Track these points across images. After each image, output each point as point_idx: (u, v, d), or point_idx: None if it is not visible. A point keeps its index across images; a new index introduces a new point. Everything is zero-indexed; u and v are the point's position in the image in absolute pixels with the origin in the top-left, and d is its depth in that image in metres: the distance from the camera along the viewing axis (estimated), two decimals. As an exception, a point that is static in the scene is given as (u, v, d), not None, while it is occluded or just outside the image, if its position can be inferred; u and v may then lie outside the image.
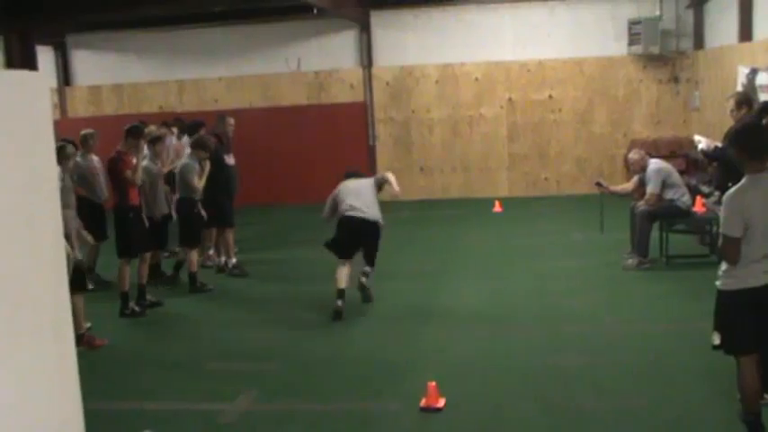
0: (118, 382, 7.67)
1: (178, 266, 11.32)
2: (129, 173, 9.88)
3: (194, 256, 11.10)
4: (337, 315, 9.33)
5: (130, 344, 9.05)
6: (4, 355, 4.89)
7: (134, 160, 10.09)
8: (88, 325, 8.95)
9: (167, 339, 9.19)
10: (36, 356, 5.24)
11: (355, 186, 9.90)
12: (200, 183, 10.88)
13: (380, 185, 10.03)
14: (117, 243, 10.15)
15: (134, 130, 10.32)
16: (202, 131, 12.02)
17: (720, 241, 5.60)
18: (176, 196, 11.18)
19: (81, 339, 8.29)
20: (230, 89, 18.30)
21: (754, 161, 5.53)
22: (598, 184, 11.89)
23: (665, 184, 10.82)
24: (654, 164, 11.03)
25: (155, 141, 10.78)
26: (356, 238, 9.70)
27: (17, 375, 5.02)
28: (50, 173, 5.65)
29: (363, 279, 9.91)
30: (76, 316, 8.68)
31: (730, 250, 5.50)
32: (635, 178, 11.39)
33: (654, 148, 15.66)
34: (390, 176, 9.99)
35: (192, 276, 11.03)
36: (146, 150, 10.49)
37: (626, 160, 16.60)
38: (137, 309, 10.13)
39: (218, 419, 6.76)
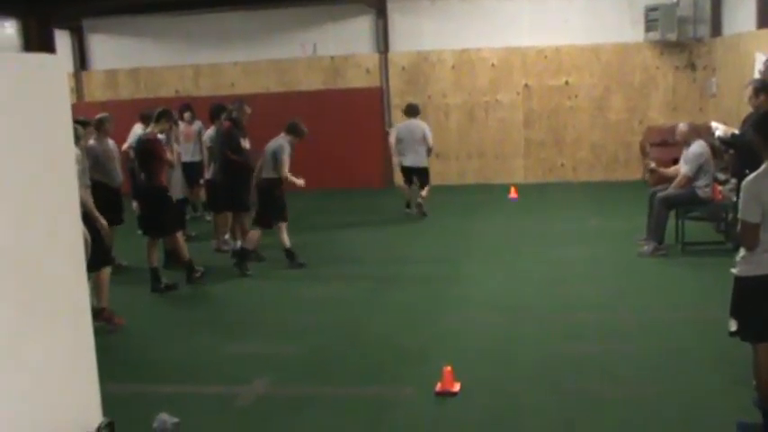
0: (134, 365, 7.73)
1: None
2: (169, 155, 10.40)
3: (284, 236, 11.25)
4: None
5: (146, 326, 9.10)
6: (22, 340, 4.93)
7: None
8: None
9: (183, 322, 9.25)
10: (54, 340, 5.28)
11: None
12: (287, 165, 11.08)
13: None
14: (149, 222, 10.53)
15: (165, 113, 10.70)
16: (224, 116, 12.20)
17: (739, 227, 5.58)
18: (264, 175, 11.21)
19: (101, 314, 8.47)
20: (246, 74, 18.31)
21: (774, 148, 5.52)
22: (651, 171, 11.63)
23: (699, 169, 10.70)
24: (698, 145, 10.84)
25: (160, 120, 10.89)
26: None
27: (35, 359, 5.06)
28: (68, 156, 5.68)
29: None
30: (102, 290, 8.85)
31: (748, 236, 5.50)
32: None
33: (670, 135, 15.55)
34: None
35: (289, 252, 11.24)
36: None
37: (641, 146, 16.59)
38: (169, 283, 10.45)
39: (234, 403, 6.81)
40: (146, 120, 12.92)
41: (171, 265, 11.22)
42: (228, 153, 11.56)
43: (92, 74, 19.20)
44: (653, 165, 11.71)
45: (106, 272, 8.88)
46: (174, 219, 10.79)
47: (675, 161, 11.55)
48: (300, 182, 11.18)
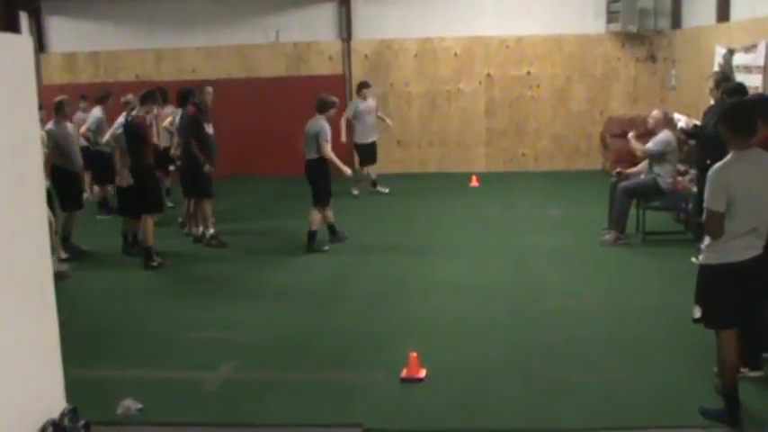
0: (100, 350, 7.65)
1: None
2: (155, 138, 10.77)
3: (328, 213, 11.43)
4: None
5: (111, 312, 9.00)
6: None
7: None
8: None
9: (149, 308, 9.16)
10: (18, 328, 5.22)
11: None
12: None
13: None
14: (139, 202, 10.64)
15: (149, 95, 10.92)
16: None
17: (704, 215, 5.66)
18: (307, 157, 11.33)
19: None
20: (209, 59, 18.13)
21: (741, 138, 5.60)
22: (618, 173, 11.72)
23: (663, 156, 10.78)
24: (665, 133, 10.89)
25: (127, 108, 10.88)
26: None
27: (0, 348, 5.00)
28: (34, 136, 5.61)
29: None
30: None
31: (713, 224, 5.58)
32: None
33: (630, 126, 15.67)
34: None
35: (312, 234, 11.30)
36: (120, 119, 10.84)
37: (602, 137, 16.74)
38: (160, 260, 10.60)
39: (199, 388, 6.78)
40: (103, 101, 12.82)
41: (130, 250, 11.15)
42: (191, 142, 11.47)
43: (50, 57, 18.88)
44: (618, 170, 11.84)
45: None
46: (155, 200, 10.94)
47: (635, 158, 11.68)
48: (347, 171, 11.45)
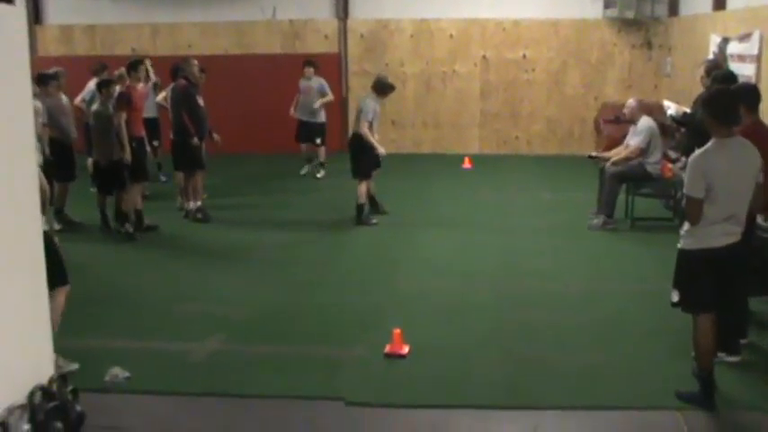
0: (88, 320, 7.73)
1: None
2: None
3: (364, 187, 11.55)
4: None
5: (100, 284, 9.07)
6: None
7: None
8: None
9: (137, 280, 9.25)
10: (8, 295, 5.31)
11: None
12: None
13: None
14: (131, 170, 10.85)
15: (134, 64, 11.70)
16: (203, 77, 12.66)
17: (683, 201, 5.76)
18: (352, 130, 11.62)
19: None
20: (205, 35, 18.13)
21: (722, 126, 5.69)
22: (591, 157, 11.88)
23: (649, 144, 10.92)
24: (647, 120, 11.07)
25: (106, 85, 10.89)
26: None
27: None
28: (26, 107, 5.68)
29: None
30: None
31: (692, 210, 5.69)
32: (627, 143, 11.35)
33: (624, 112, 15.76)
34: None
35: (360, 207, 11.52)
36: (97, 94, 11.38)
37: (595, 122, 16.81)
38: (130, 230, 10.79)
39: (186, 359, 6.88)
40: (98, 74, 12.88)
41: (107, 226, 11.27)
42: (183, 114, 11.56)
43: (46, 28, 18.86)
44: (593, 153, 12.00)
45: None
46: (143, 169, 11.28)
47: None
48: (382, 150, 11.46)
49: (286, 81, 16.68)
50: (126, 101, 10.80)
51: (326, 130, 15.33)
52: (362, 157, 11.42)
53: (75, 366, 6.58)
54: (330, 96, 15.23)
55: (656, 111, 15.76)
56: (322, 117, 15.17)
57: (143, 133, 11.49)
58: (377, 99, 11.50)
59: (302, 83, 15.11)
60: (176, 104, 11.74)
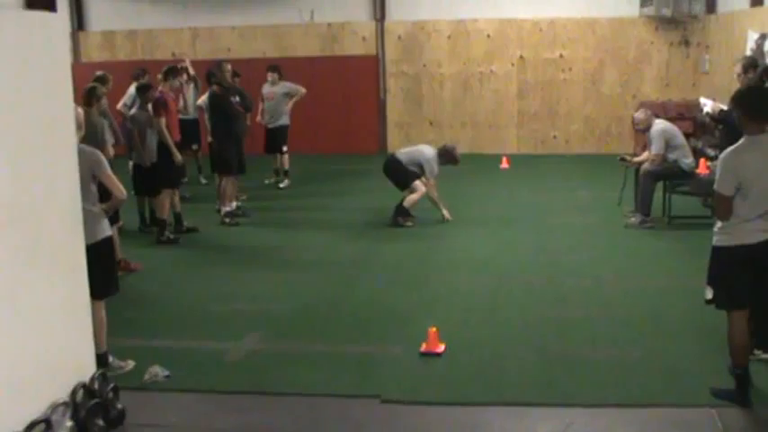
0: (128, 320, 7.87)
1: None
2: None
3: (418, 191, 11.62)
4: None
5: (141, 282, 9.27)
6: (21, 291, 5.11)
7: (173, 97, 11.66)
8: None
9: (176, 281, 9.42)
10: (52, 293, 5.46)
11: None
12: None
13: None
14: (159, 176, 10.84)
15: (171, 71, 11.76)
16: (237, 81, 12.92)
17: (714, 198, 5.76)
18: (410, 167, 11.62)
19: (119, 264, 8.83)
20: (244, 38, 18.35)
21: (755, 123, 5.68)
22: (622, 159, 11.90)
23: (668, 146, 10.93)
24: (658, 124, 11.13)
25: (144, 89, 11.06)
26: None
27: (34, 311, 5.25)
28: (68, 114, 5.82)
29: None
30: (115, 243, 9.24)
31: (721, 207, 5.70)
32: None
33: (662, 111, 15.70)
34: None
35: (401, 209, 11.62)
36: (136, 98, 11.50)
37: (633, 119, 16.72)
38: (171, 237, 10.91)
39: (224, 357, 7.00)
40: (138, 78, 13.09)
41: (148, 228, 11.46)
42: (216, 121, 11.83)
43: (89, 34, 19.21)
44: (623, 155, 12.06)
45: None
46: (174, 175, 11.24)
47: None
48: (448, 215, 11.73)
49: (325, 83, 16.87)
50: (162, 105, 10.96)
51: (288, 133, 14.88)
52: (406, 172, 11.57)
53: (131, 364, 6.74)
54: (302, 91, 14.76)
55: (694, 109, 15.74)
56: (286, 120, 14.70)
57: (178, 138, 11.60)
58: (438, 162, 11.71)
59: (265, 88, 14.65)
60: (210, 111, 11.95)
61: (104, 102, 10.09)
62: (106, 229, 6.59)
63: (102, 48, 19.07)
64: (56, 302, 5.54)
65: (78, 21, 19.14)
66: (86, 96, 9.64)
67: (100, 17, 19.09)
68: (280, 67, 14.79)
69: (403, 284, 8.94)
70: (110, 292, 6.64)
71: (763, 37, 12.33)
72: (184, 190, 13.37)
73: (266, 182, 14.83)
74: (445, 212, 11.62)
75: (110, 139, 9.69)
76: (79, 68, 17.04)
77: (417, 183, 11.51)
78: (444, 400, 6.13)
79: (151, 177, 10.82)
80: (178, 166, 11.07)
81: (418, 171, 11.58)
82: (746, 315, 5.89)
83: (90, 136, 9.45)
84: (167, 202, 10.98)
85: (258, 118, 14.67)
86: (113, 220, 9.03)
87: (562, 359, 6.79)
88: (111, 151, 9.66)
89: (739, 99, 5.86)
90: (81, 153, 6.00)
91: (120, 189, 6.51)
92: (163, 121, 10.85)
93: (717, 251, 5.91)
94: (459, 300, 8.37)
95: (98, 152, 6.54)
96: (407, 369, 6.69)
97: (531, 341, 7.18)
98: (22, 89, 5.10)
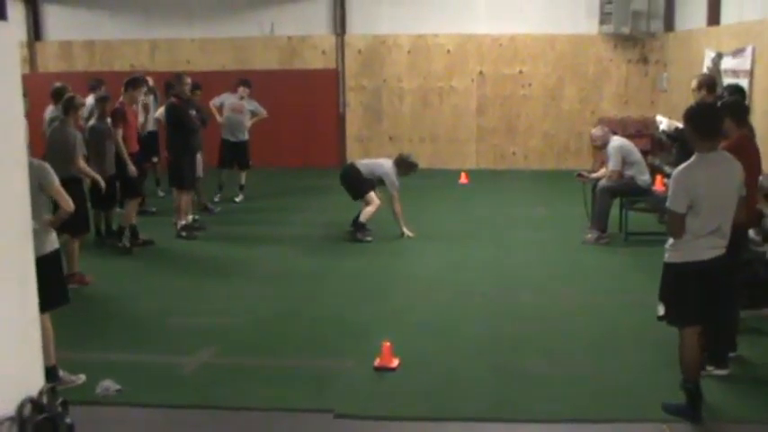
0: (81, 333, 7.79)
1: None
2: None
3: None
4: None
5: (95, 295, 9.17)
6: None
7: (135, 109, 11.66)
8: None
9: (131, 294, 9.33)
10: (-1, 306, 5.36)
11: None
12: None
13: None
14: (123, 187, 10.99)
15: (133, 82, 11.50)
16: (198, 93, 12.96)
17: (666, 216, 5.81)
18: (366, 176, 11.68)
19: (72, 278, 9.05)
20: (203, 51, 18.25)
21: (705, 141, 5.74)
22: (579, 176, 11.99)
23: (625, 162, 11.03)
24: (615, 140, 11.24)
25: (103, 101, 11.00)
26: None
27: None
28: (18, 127, 5.73)
29: None
30: (73, 257, 9.23)
31: (674, 225, 5.75)
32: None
33: (621, 127, 15.87)
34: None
35: (358, 224, 11.61)
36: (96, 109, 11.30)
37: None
38: (127, 244, 10.91)
39: (177, 371, 6.93)
40: (94, 90, 12.98)
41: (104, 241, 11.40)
42: (172, 133, 11.81)
43: (45, 44, 19.00)
44: (580, 172, 12.20)
45: (75, 242, 9.45)
46: (137, 186, 11.35)
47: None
48: (409, 233, 11.69)
49: (285, 97, 16.83)
50: (121, 117, 10.87)
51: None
52: (363, 182, 11.60)
53: (81, 378, 6.65)
54: (265, 114, 14.74)
55: (652, 126, 15.93)
56: (247, 135, 14.51)
57: (136, 149, 11.52)
58: (398, 174, 11.75)
59: (232, 100, 14.38)
60: (168, 123, 11.88)
61: (82, 112, 10.07)
62: (54, 242, 6.52)
63: (60, 58, 18.86)
64: (2, 315, 5.44)
65: (35, 30, 18.91)
66: (64, 106, 9.59)
67: (57, 27, 18.87)
68: (251, 83, 14.65)
69: (359, 299, 8.93)
70: (60, 303, 6.54)
71: (719, 56, 12.51)
72: (150, 204, 13.31)
73: (215, 200, 14.24)
74: (405, 230, 11.61)
75: (81, 150, 9.57)
76: (36, 78, 16.88)
77: (372, 194, 11.53)
78: (398, 415, 6.12)
79: (108, 190, 10.70)
80: (132, 177, 10.95)
81: (376, 184, 11.58)
82: (698, 331, 5.95)
83: (62, 146, 9.36)
84: (134, 211, 10.94)
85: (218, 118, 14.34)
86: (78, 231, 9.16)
87: (517, 375, 6.81)
88: (82, 163, 9.54)
89: (689, 117, 5.90)
90: (29, 166, 5.91)
91: (67, 202, 6.44)
92: (120, 132, 10.76)
93: (668, 267, 5.96)
94: (415, 315, 8.37)
95: (46, 165, 6.47)
96: (361, 384, 6.68)
97: (485, 356, 7.20)
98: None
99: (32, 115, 11.27)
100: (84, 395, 6.34)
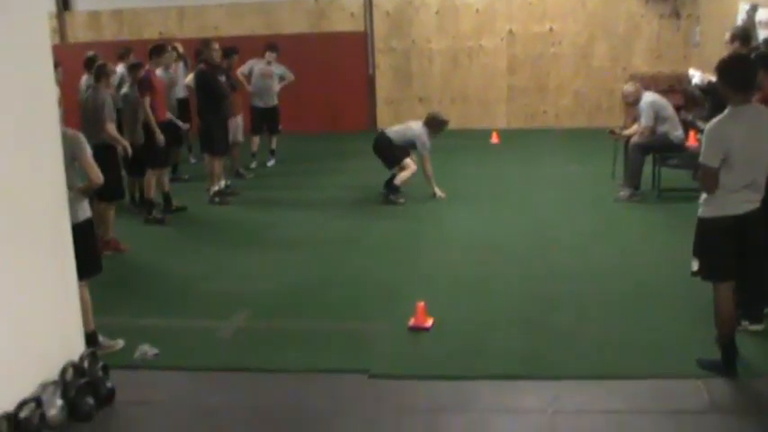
0: (117, 299, 7.90)
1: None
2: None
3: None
4: None
5: (130, 261, 9.31)
6: (8, 272, 5.11)
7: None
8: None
9: (165, 259, 9.44)
10: (39, 274, 5.47)
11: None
12: None
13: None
14: (147, 155, 10.77)
15: (158, 49, 11.69)
16: (235, 57, 12.95)
17: (700, 170, 5.76)
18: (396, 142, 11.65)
19: (108, 245, 9.22)
20: (231, 16, 18.22)
21: (738, 93, 5.66)
22: (611, 132, 11.90)
23: (657, 118, 10.92)
24: (647, 96, 11.11)
25: (135, 68, 10.99)
26: None
27: (21, 292, 5.26)
28: (50, 95, 5.80)
29: None
30: (107, 224, 9.41)
31: (708, 179, 5.69)
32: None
33: (653, 83, 15.64)
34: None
35: (391, 186, 11.65)
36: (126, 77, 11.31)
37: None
38: (159, 216, 10.92)
39: (213, 335, 7.02)
40: (123, 58, 13.00)
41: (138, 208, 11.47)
42: (202, 99, 11.81)
43: (74, 14, 19.06)
44: (612, 128, 12.10)
45: (111, 207, 9.58)
46: (162, 155, 11.18)
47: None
48: (441, 194, 11.70)
49: (313, 60, 16.77)
50: (148, 84, 10.88)
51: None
52: (396, 150, 11.61)
53: (120, 343, 6.76)
54: (292, 77, 14.59)
55: (685, 81, 15.73)
56: (276, 100, 14.41)
57: (166, 117, 11.57)
58: (429, 134, 11.67)
59: (260, 65, 14.20)
60: (198, 89, 11.91)
61: (113, 79, 10.12)
62: (87, 210, 6.57)
63: (88, 28, 18.91)
64: (43, 283, 5.55)
65: (63, 1, 18.96)
66: (96, 73, 9.66)
67: (86, -4, 18.91)
68: (278, 47, 14.51)
69: (392, 261, 8.96)
70: (93, 272, 6.62)
71: (753, 8, 12.28)
72: (182, 171, 13.40)
73: (252, 166, 14.26)
74: (437, 190, 11.60)
75: (111, 114, 9.62)
76: (65, 49, 16.96)
77: (408, 160, 11.52)
78: (432, 375, 6.16)
79: (140, 158, 10.79)
80: (160, 146, 10.95)
81: (409, 149, 11.57)
82: (732, 286, 5.91)
83: (93, 112, 9.45)
84: (153, 182, 10.97)
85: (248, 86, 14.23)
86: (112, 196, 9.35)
87: (548, 333, 6.82)
88: (111, 128, 9.61)
89: (721, 69, 5.80)
90: (63, 135, 5.98)
91: (97, 174, 6.46)
92: (147, 100, 10.77)
93: (702, 222, 5.92)
94: (449, 275, 8.38)
95: (80, 135, 6.50)
96: (396, 344, 6.73)
97: (518, 315, 7.22)
98: (1, 70, 5.07)
99: (68, 85, 11.37)
100: (124, 359, 6.46)
